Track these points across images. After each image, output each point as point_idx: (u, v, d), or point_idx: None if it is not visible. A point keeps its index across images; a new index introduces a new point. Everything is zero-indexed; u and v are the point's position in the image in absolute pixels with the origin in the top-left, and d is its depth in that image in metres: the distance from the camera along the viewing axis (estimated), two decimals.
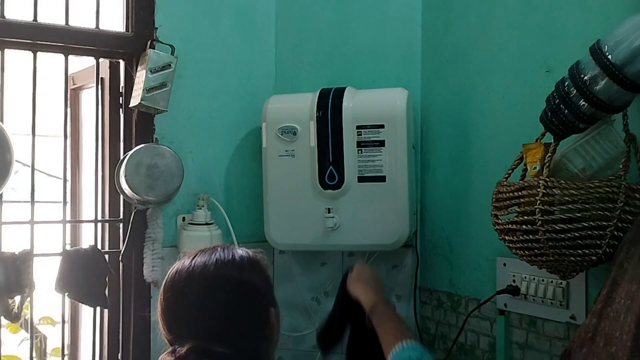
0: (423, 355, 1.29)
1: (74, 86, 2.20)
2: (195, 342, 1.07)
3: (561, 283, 1.50)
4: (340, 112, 1.79)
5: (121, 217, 1.91)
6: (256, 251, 1.21)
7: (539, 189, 1.28)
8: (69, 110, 1.97)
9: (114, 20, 1.91)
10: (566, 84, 1.26)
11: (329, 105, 1.80)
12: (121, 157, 1.84)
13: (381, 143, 1.77)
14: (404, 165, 1.77)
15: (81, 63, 2.05)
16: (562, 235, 1.27)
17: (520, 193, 1.34)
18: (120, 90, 1.91)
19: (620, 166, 1.28)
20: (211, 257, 1.15)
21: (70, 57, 1.86)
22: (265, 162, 1.89)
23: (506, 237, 1.40)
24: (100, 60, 1.90)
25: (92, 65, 1.92)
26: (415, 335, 1.42)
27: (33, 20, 1.77)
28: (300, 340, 1.99)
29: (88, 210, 2.09)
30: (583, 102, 1.23)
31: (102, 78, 1.93)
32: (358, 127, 1.79)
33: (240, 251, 1.19)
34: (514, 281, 1.62)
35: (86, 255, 1.77)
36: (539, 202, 1.28)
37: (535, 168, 1.35)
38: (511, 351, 1.64)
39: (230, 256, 1.16)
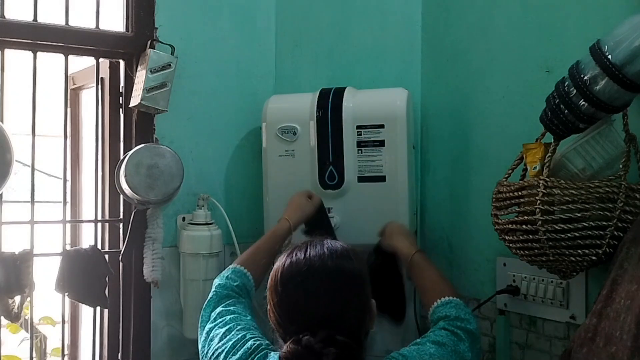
0: (459, 311, 1.37)
1: (74, 86, 2.20)
2: (324, 332, 1.11)
3: (561, 283, 1.50)
4: (340, 112, 1.79)
5: (121, 217, 1.91)
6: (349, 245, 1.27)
7: (539, 189, 1.28)
8: (69, 110, 1.97)
9: (114, 20, 1.91)
10: (566, 84, 1.26)
11: (329, 105, 1.80)
12: (121, 157, 1.84)
13: (381, 143, 1.77)
14: (404, 165, 1.77)
15: (81, 63, 2.05)
16: (562, 235, 1.27)
17: (520, 193, 1.34)
18: (120, 90, 1.92)
19: (620, 166, 1.28)
20: (324, 250, 1.21)
21: (70, 57, 1.86)
22: (265, 162, 1.89)
23: (506, 237, 1.40)
24: (100, 60, 1.90)
25: (92, 65, 1.92)
26: (454, 288, 1.48)
27: (33, 20, 1.78)
28: None
29: (88, 210, 2.10)
30: (583, 102, 1.23)
31: (102, 78, 1.93)
32: (358, 127, 1.79)
33: (341, 243, 1.25)
34: (514, 281, 1.62)
35: (86, 255, 1.77)
36: (539, 202, 1.28)
37: (535, 168, 1.35)
38: (511, 351, 1.64)
39: (340, 248, 1.23)
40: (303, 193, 1.76)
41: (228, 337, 1.32)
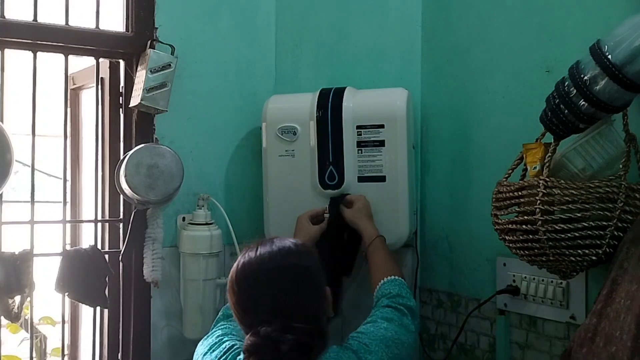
0: (401, 289, 1.51)
1: (74, 86, 2.20)
2: (279, 321, 1.19)
3: (561, 283, 1.50)
4: (340, 112, 1.79)
5: (121, 217, 1.91)
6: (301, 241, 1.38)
7: (539, 189, 1.28)
8: (69, 110, 1.97)
9: (114, 20, 1.91)
10: (566, 84, 1.26)
11: (329, 105, 1.80)
12: (121, 157, 1.84)
13: (381, 143, 1.77)
14: (404, 165, 1.77)
15: (81, 63, 2.05)
16: (562, 235, 1.27)
17: (520, 193, 1.34)
18: (120, 90, 1.92)
19: (620, 166, 1.28)
20: (273, 248, 1.29)
21: (70, 57, 1.86)
22: (265, 162, 1.89)
23: (506, 237, 1.40)
24: (100, 60, 1.90)
25: (92, 65, 1.92)
26: (401, 271, 1.61)
27: (33, 20, 1.77)
28: None
29: (88, 210, 2.09)
30: (583, 102, 1.23)
31: (102, 78, 1.93)
32: (358, 127, 1.79)
33: (292, 240, 1.34)
34: (514, 281, 1.62)
35: (86, 255, 1.77)
36: (539, 202, 1.28)
37: (535, 168, 1.35)
38: (511, 351, 1.64)
39: (288, 246, 1.31)
40: (305, 216, 1.78)
41: (207, 340, 1.42)
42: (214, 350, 1.37)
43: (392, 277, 1.55)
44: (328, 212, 1.79)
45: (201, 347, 1.42)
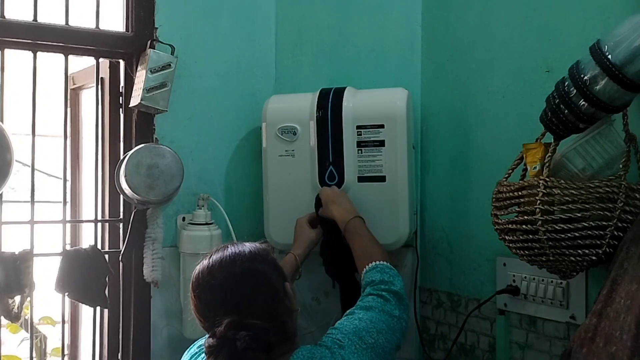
0: (383, 275, 1.49)
1: (74, 86, 2.20)
2: (230, 318, 1.21)
3: (561, 283, 1.50)
4: (340, 112, 1.79)
5: (121, 217, 1.91)
6: (261, 242, 1.38)
7: (539, 189, 1.28)
8: (69, 110, 1.97)
9: (114, 20, 1.91)
10: (566, 83, 1.26)
11: (329, 105, 1.80)
12: (121, 157, 1.84)
13: (381, 143, 1.77)
14: (404, 165, 1.77)
15: (81, 63, 2.05)
16: (562, 235, 1.27)
17: (520, 193, 1.34)
18: (120, 90, 1.92)
19: (620, 166, 1.28)
20: (225, 253, 1.32)
21: (70, 57, 1.86)
22: (265, 162, 1.89)
23: (506, 237, 1.40)
24: (100, 60, 1.90)
25: (92, 65, 1.92)
26: (384, 253, 1.59)
27: (33, 20, 1.77)
28: (301, 340, 1.98)
29: (88, 210, 2.09)
30: (583, 102, 1.23)
31: (102, 78, 1.93)
32: (358, 127, 1.79)
33: (248, 244, 1.35)
34: (514, 281, 1.62)
35: (86, 255, 1.77)
36: (539, 202, 1.28)
37: (535, 168, 1.35)
38: (511, 351, 1.64)
39: (241, 250, 1.32)
40: (304, 220, 1.78)
41: (190, 350, 1.45)
42: (185, 356, 1.41)
43: (374, 263, 1.53)
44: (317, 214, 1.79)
45: (185, 357, 1.44)
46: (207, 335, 1.44)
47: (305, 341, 1.39)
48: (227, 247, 1.34)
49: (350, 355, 1.29)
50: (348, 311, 1.44)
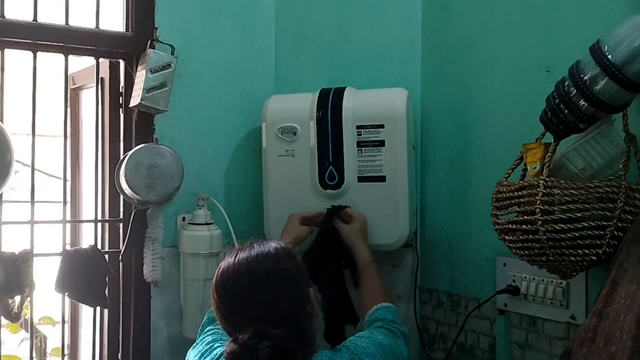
0: (394, 316, 1.52)
1: (74, 86, 2.20)
2: (254, 328, 1.20)
3: (561, 283, 1.50)
4: (340, 112, 1.79)
5: (121, 217, 1.91)
6: (286, 243, 1.38)
7: (539, 189, 1.28)
8: (69, 110, 1.96)
9: (114, 20, 1.91)
10: (566, 83, 1.26)
11: (329, 105, 1.80)
12: (121, 157, 1.84)
13: (381, 143, 1.77)
14: (404, 165, 1.77)
15: (81, 63, 2.05)
16: (562, 235, 1.27)
17: (520, 193, 1.34)
18: (120, 90, 1.91)
19: (620, 166, 1.28)
20: (251, 253, 1.30)
21: (70, 57, 1.86)
22: (265, 162, 1.89)
23: (506, 237, 1.40)
24: (100, 60, 1.90)
25: (92, 65, 1.92)
26: (394, 300, 1.63)
27: (33, 20, 1.77)
28: None
29: (88, 210, 2.09)
30: (583, 102, 1.23)
31: (102, 78, 1.93)
32: (358, 127, 1.79)
33: (274, 244, 1.34)
34: (514, 281, 1.62)
35: (86, 255, 1.77)
36: (539, 202, 1.28)
37: (535, 168, 1.35)
38: (511, 351, 1.64)
39: (267, 250, 1.31)
40: (297, 216, 1.78)
41: (198, 347, 1.43)
42: (205, 357, 1.38)
43: (387, 303, 1.56)
44: (324, 219, 1.77)
45: (192, 353, 1.43)
46: (210, 332, 1.44)
47: (334, 347, 1.39)
48: (253, 246, 1.32)
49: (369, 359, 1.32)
50: (360, 333, 1.45)
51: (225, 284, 1.29)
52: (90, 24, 1.86)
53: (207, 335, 1.46)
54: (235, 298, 1.27)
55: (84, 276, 1.76)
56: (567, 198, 1.26)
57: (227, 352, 1.22)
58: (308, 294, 1.32)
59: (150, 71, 1.80)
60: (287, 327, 1.23)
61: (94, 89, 1.93)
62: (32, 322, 2.02)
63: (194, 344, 1.47)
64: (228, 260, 1.31)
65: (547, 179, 1.28)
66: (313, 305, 1.32)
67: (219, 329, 1.44)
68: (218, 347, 1.39)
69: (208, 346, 1.40)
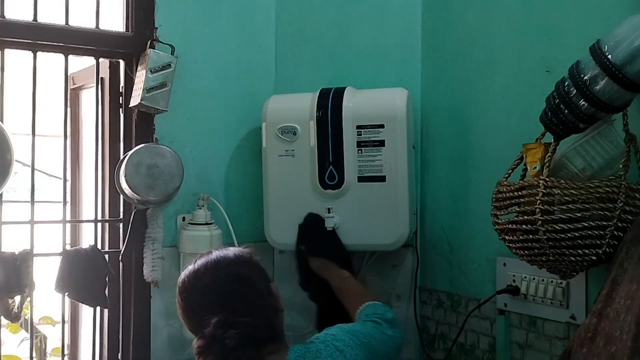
0: (377, 309, 1.52)
1: (74, 86, 2.20)
2: (218, 317, 1.23)
3: (561, 283, 1.50)
4: (340, 112, 1.79)
5: (121, 217, 1.91)
6: (244, 246, 1.44)
7: (539, 189, 1.28)
8: (69, 110, 1.96)
9: (114, 20, 1.91)
10: (566, 83, 1.26)
11: (329, 105, 1.80)
12: (121, 157, 1.84)
13: (381, 143, 1.77)
14: (404, 165, 1.77)
15: (81, 63, 2.04)
16: (562, 235, 1.27)
17: (520, 193, 1.34)
18: (120, 90, 1.91)
19: (620, 166, 1.28)
20: (209, 258, 1.36)
21: (70, 57, 1.86)
22: (265, 162, 1.89)
23: (506, 237, 1.40)
24: (100, 60, 1.90)
25: (92, 65, 1.92)
26: (376, 297, 1.63)
27: (33, 20, 1.77)
28: (300, 340, 1.97)
29: (88, 210, 2.09)
30: (583, 102, 1.23)
31: (102, 78, 1.93)
32: (358, 127, 1.79)
33: (232, 249, 1.40)
34: (514, 281, 1.62)
35: (86, 255, 1.77)
36: (539, 202, 1.28)
37: (535, 168, 1.35)
38: (511, 351, 1.64)
39: (223, 254, 1.37)
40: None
41: None
42: None
43: (367, 303, 1.57)
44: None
45: None
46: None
47: (303, 341, 1.39)
48: (212, 252, 1.38)
49: (345, 347, 1.32)
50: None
51: (187, 286, 1.34)
52: (90, 24, 1.86)
53: None
54: (198, 296, 1.32)
55: (84, 276, 1.76)
56: (567, 198, 1.26)
57: (195, 348, 1.24)
58: (270, 288, 1.36)
59: (150, 71, 1.80)
60: (253, 316, 1.26)
61: (94, 89, 1.93)
62: (32, 322, 2.02)
63: None
64: (188, 268, 1.37)
65: (547, 179, 1.28)
66: (277, 300, 1.36)
67: None
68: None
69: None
